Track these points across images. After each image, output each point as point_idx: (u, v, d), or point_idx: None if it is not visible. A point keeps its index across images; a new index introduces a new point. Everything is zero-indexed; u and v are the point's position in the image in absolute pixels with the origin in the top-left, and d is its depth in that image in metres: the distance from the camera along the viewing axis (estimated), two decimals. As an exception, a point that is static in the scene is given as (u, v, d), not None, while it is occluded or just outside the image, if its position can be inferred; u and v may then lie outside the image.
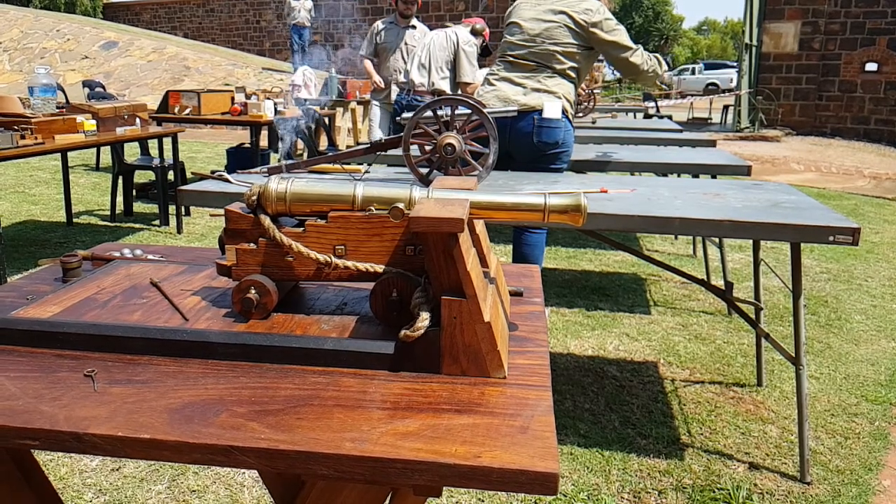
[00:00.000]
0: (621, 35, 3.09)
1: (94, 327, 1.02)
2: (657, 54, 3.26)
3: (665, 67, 3.24)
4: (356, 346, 0.98)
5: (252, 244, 1.07)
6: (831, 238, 1.94)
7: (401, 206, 1.02)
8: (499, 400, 0.88)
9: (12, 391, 0.88)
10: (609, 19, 3.09)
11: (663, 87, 3.58)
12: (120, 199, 5.70)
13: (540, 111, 3.08)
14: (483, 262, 1.12)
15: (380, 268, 1.05)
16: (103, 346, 1.00)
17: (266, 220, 1.06)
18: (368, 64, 6.10)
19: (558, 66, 3.12)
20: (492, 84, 3.24)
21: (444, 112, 2.32)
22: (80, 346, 1.00)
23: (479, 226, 1.15)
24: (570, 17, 3.06)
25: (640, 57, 3.10)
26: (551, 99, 3.09)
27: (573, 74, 3.16)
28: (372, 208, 1.05)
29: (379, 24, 6.06)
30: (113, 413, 0.83)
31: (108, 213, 5.65)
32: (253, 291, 1.06)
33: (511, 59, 3.21)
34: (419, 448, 0.76)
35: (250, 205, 1.08)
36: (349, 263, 1.05)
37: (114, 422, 0.81)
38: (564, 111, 3.11)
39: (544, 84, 3.11)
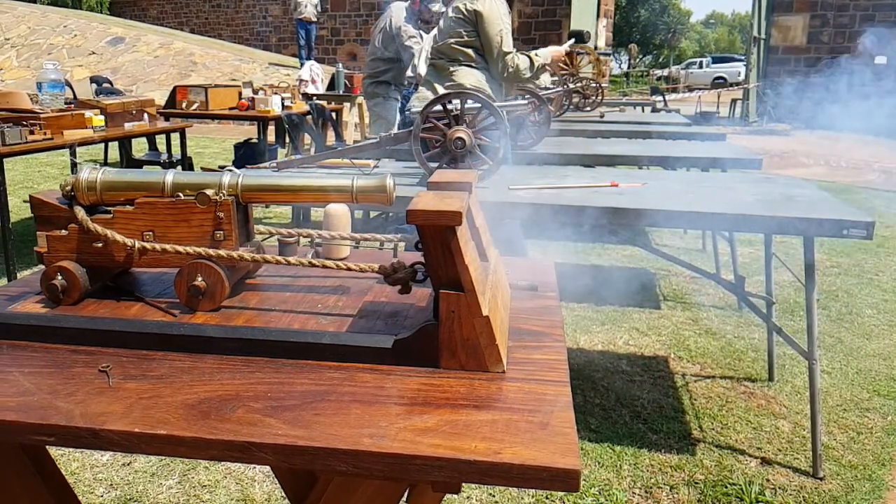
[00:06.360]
0: (504, 34, 3.10)
1: (108, 322, 1.02)
2: (533, 53, 3.27)
3: (537, 66, 3.21)
4: (354, 340, 0.97)
5: (63, 231, 1.09)
6: (845, 232, 1.92)
7: (209, 192, 1.04)
8: (517, 395, 0.87)
9: (27, 387, 0.88)
10: (495, 14, 3.09)
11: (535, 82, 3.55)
12: (128, 194, 5.70)
13: None
14: (482, 255, 1.10)
15: (190, 249, 1.07)
16: (117, 342, 0.99)
17: (76, 207, 1.08)
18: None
19: (463, 59, 3.18)
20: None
21: (454, 106, 2.30)
22: (95, 341, 1.00)
23: (480, 218, 1.14)
24: (459, 9, 3.14)
25: (508, 60, 3.11)
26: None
27: (482, 62, 3.19)
28: (180, 195, 1.07)
29: (413, 29, 5.04)
30: (129, 409, 0.83)
31: (117, 208, 5.65)
32: (59, 278, 1.07)
33: (432, 62, 3.31)
34: (438, 444, 0.76)
35: (66, 195, 1.09)
36: (157, 245, 1.07)
37: (130, 418, 0.81)
38: None
39: (451, 78, 3.17)
